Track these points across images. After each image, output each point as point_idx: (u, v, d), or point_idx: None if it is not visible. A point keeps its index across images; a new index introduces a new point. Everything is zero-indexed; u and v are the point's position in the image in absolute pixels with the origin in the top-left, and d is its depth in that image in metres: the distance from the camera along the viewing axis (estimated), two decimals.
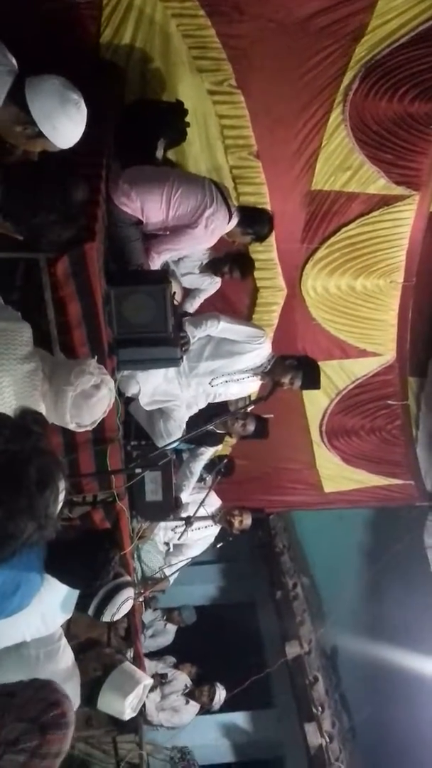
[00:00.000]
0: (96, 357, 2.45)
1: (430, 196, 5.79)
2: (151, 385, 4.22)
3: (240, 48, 4.92)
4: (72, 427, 2.30)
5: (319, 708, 7.21)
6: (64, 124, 2.36)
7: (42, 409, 2.21)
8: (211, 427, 4.58)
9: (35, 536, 1.51)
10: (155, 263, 4.25)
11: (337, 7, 4.82)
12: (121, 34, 4.72)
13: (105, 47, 4.74)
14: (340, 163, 5.57)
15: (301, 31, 4.90)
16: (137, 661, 4.65)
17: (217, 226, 4.15)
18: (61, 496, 1.58)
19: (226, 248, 5.11)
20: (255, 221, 4.44)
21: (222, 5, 4.71)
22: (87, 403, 2.24)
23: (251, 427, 5.02)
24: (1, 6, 3.91)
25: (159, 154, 4.64)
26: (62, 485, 1.59)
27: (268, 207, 5.39)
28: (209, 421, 4.48)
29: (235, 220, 4.25)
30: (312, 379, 4.57)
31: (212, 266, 5.17)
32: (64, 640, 2.74)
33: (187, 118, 4.88)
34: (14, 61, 2.27)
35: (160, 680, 6.50)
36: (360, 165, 5.58)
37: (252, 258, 5.52)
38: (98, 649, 3.44)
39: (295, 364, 4.45)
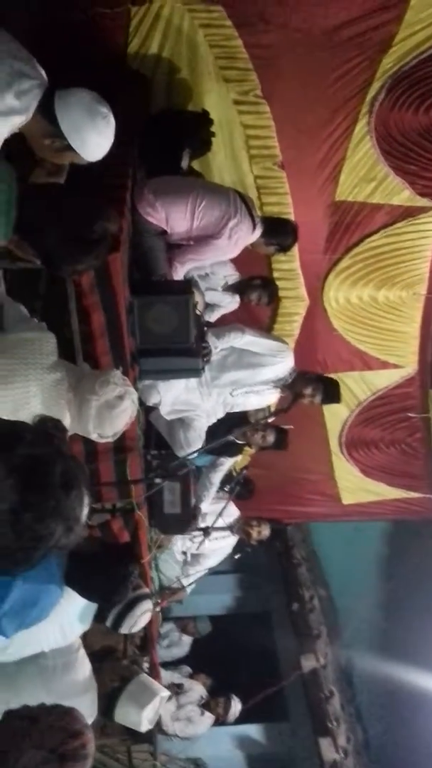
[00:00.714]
0: (120, 368, 2.45)
1: None
2: (172, 395, 4.22)
3: (266, 58, 4.92)
4: (94, 437, 2.30)
5: (334, 722, 7.15)
6: (93, 137, 2.36)
7: (67, 418, 2.22)
8: (232, 438, 4.57)
9: (64, 539, 1.51)
10: (178, 273, 4.25)
11: (365, 18, 4.81)
12: (148, 44, 4.74)
13: (132, 57, 4.77)
14: (365, 174, 5.55)
15: (327, 41, 4.88)
16: (153, 671, 4.64)
17: (241, 237, 4.15)
18: (87, 500, 1.57)
19: (250, 270, 5.14)
20: (279, 232, 4.44)
21: (249, 15, 4.72)
22: (110, 414, 2.24)
23: (271, 439, 5.01)
24: (31, 18, 3.94)
25: (184, 163, 4.65)
26: (86, 490, 1.58)
27: (292, 217, 5.38)
28: (229, 431, 4.47)
29: (259, 231, 4.24)
30: (333, 395, 4.58)
31: (238, 289, 5.19)
32: (82, 651, 2.74)
33: (213, 128, 4.90)
34: (44, 73, 2.27)
35: (176, 690, 6.47)
36: (384, 176, 5.56)
37: (277, 285, 5.54)
38: (115, 660, 3.43)
39: (315, 378, 4.48)
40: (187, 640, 7.43)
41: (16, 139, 2.32)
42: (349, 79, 5.08)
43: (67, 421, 2.21)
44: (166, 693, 3.44)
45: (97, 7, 4.46)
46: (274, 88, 5.05)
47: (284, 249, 4.56)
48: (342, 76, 5.06)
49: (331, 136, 5.32)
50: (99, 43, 4.61)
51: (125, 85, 4.56)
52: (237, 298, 5.22)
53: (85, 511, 1.56)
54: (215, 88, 4.98)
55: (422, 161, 5.47)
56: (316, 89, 5.10)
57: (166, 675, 6.42)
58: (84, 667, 2.78)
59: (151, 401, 4.17)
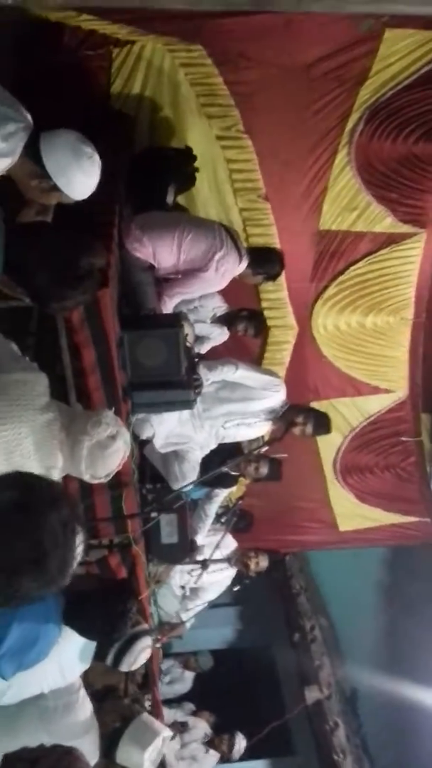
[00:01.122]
0: (113, 407, 2.46)
1: None
2: (166, 428, 4.22)
3: (246, 94, 5.03)
4: (86, 478, 2.28)
5: (341, 754, 7.03)
6: (79, 177, 2.40)
7: (60, 458, 2.21)
8: (226, 469, 4.57)
9: (42, 590, 1.50)
10: (167, 307, 4.28)
11: (341, 52, 4.94)
12: (130, 84, 4.84)
13: (115, 97, 4.86)
14: (347, 203, 5.64)
15: (305, 76, 5.01)
16: (155, 709, 4.57)
17: (228, 269, 4.19)
18: (79, 549, 1.56)
19: (239, 301, 5.19)
20: (265, 261, 4.48)
21: (228, 53, 4.83)
22: (102, 454, 2.23)
23: (264, 470, 5.00)
24: (15, 61, 4.02)
25: (169, 199, 4.71)
26: (79, 537, 1.57)
27: (278, 247, 5.45)
28: (223, 462, 4.47)
29: (245, 263, 4.29)
30: (323, 426, 4.60)
31: (226, 320, 5.23)
32: (82, 692, 2.70)
33: (196, 164, 4.98)
34: (29, 116, 2.32)
35: (180, 728, 6.37)
36: (367, 205, 5.66)
37: (265, 317, 5.60)
38: (116, 700, 3.37)
39: (307, 409, 4.51)
40: (189, 675, 7.33)
41: (4, 180, 2.35)
42: (328, 112, 5.20)
43: (59, 462, 2.20)
44: (168, 733, 3.38)
45: (80, 50, 4.56)
46: (255, 123, 5.16)
47: (272, 277, 4.59)
48: (321, 109, 5.19)
49: (312, 168, 5.42)
50: (82, 84, 4.70)
51: (109, 124, 4.63)
52: (226, 330, 5.25)
53: (76, 560, 1.55)
54: (198, 124, 5.08)
55: (403, 189, 5.58)
56: (296, 122, 5.21)
57: (170, 714, 6.33)
58: (85, 708, 2.73)
59: (145, 435, 4.17)
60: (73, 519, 1.55)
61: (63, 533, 1.51)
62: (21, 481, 1.58)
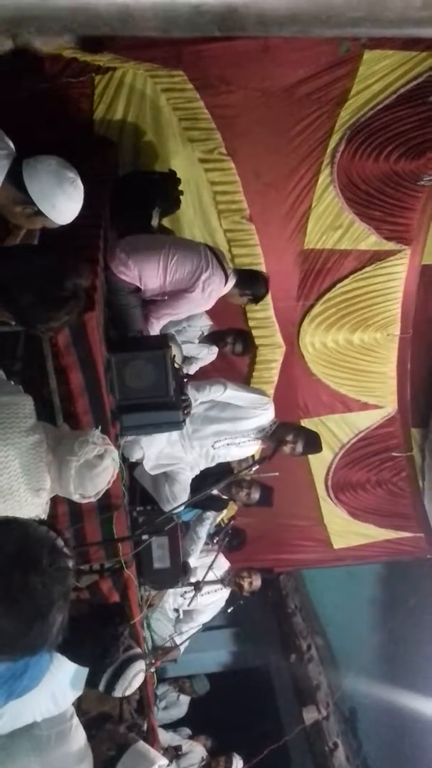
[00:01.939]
0: (100, 426, 2.45)
1: (421, 250, 5.90)
2: (155, 450, 4.22)
3: (228, 117, 5.10)
4: (76, 498, 2.27)
5: None
6: (62, 202, 2.42)
7: (48, 480, 2.20)
8: (216, 493, 4.55)
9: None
10: (154, 329, 4.29)
11: (321, 74, 5.02)
12: (113, 109, 4.89)
13: (98, 123, 4.91)
14: (331, 222, 5.71)
15: (286, 98, 5.08)
16: (151, 734, 4.51)
17: (214, 289, 4.21)
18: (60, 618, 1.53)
19: (226, 320, 5.21)
20: (251, 283, 4.51)
21: (209, 78, 4.90)
22: (91, 474, 2.22)
23: (256, 496, 5.00)
24: None
25: (154, 222, 4.75)
26: (59, 605, 1.54)
27: (263, 267, 5.51)
28: (214, 483, 4.46)
29: (231, 283, 4.31)
30: (313, 445, 4.59)
31: (214, 338, 5.25)
32: (75, 719, 2.66)
33: (180, 187, 5.02)
34: (11, 144, 2.34)
35: (176, 753, 6.27)
36: (350, 223, 5.72)
37: (253, 335, 5.62)
38: (111, 727, 3.33)
39: (296, 428, 4.51)
40: (185, 700, 7.23)
41: None
42: (310, 133, 5.28)
43: (47, 484, 2.19)
44: (163, 762, 3.33)
45: (62, 77, 4.60)
46: (237, 145, 5.22)
47: (257, 299, 4.62)
48: (302, 130, 5.26)
49: (295, 188, 5.49)
50: (65, 111, 4.74)
51: (93, 150, 4.67)
52: (214, 350, 5.27)
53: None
54: (180, 148, 5.13)
55: (385, 207, 5.64)
56: (278, 144, 5.28)
57: (166, 737, 6.23)
58: (78, 736, 2.70)
59: (135, 457, 4.16)
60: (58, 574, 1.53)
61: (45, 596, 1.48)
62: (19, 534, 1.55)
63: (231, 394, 4.29)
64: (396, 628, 7.77)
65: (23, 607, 1.43)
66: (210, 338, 5.28)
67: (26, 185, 2.33)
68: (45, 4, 0.75)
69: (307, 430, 4.62)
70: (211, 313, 5.18)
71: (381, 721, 7.73)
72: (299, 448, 4.42)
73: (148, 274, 4.06)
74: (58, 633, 1.51)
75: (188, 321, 5.12)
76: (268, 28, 0.79)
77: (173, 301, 4.23)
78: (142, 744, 3.07)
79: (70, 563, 1.64)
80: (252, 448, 4.56)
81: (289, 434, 4.39)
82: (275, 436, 4.41)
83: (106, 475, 2.27)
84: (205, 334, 5.27)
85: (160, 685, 6.82)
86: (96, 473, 2.23)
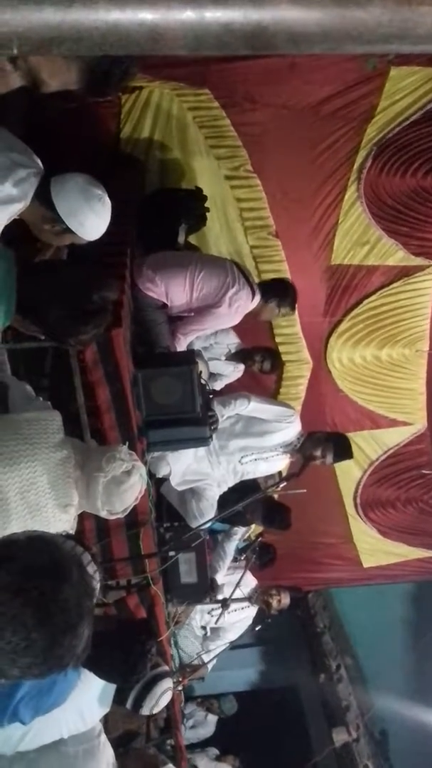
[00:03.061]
0: (127, 443, 2.46)
1: None
2: (182, 465, 4.21)
3: (254, 135, 5.13)
4: (103, 514, 2.27)
5: None
6: (90, 219, 2.44)
7: (75, 496, 2.21)
8: (241, 508, 4.53)
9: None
10: (181, 344, 4.30)
11: (347, 91, 5.04)
12: (139, 128, 4.96)
13: (125, 142, 4.98)
14: (358, 238, 5.70)
15: (312, 116, 5.11)
16: (178, 754, 4.47)
17: (241, 305, 4.21)
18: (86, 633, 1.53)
19: (254, 338, 5.21)
20: (275, 291, 4.49)
21: (235, 96, 4.95)
22: (118, 490, 2.22)
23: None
24: (26, 109, 4.13)
25: (181, 239, 4.78)
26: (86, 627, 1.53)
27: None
28: (241, 499, 4.43)
29: (258, 298, 4.31)
30: (343, 451, 4.54)
31: (242, 356, 5.25)
32: (103, 737, 2.64)
33: (207, 204, 5.05)
34: (39, 162, 2.37)
35: None
36: (378, 239, 5.70)
37: (279, 352, 5.61)
38: (140, 747, 3.30)
39: (324, 438, 4.45)
40: (212, 719, 7.17)
41: (18, 224, 2.40)
42: (336, 149, 5.29)
43: (75, 500, 2.20)
44: None
45: (89, 97, 4.66)
46: (263, 162, 5.25)
47: (285, 306, 4.52)
48: (329, 147, 5.27)
49: (322, 204, 5.49)
50: (93, 130, 4.82)
51: (120, 168, 4.73)
52: (241, 367, 5.26)
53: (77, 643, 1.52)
54: (207, 165, 5.17)
55: (413, 222, 5.62)
56: (304, 161, 5.30)
57: (195, 759, 6.18)
58: (106, 754, 2.67)
59: (161, 473, 4.15)
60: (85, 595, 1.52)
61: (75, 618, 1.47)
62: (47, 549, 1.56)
63: (255, 407, 4.27)
64: (427, 647, 7.64)
65: (56, 619, 1.43)
66: (238, 356, 5.28)
67: (54, 203, 2.36)
68: (75, 26, 0.75)
69: (335, 438, 4.54)
70: (238, 330, 5.18)
71: (412, 744, 7.58)
72: (329, 460, 4.38)
73: (174, 290, 4.08)
74: (85, 648, 1.50)
75: (215, 338, 5.13)
76: (299, 45, 0.79)
77: (200, 317, 4.24)
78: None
79: (98, 578, 1.64)
80: (280, 462, 4.53)
81: (317, 449, 4.35)
82: (303, 450, 4.38)
83: (133, 491, 2.27)
84: (233, 351, 5.27)
85: (188, 704, 6.77)
86: (123, 489, 2.23)
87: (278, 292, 4.47)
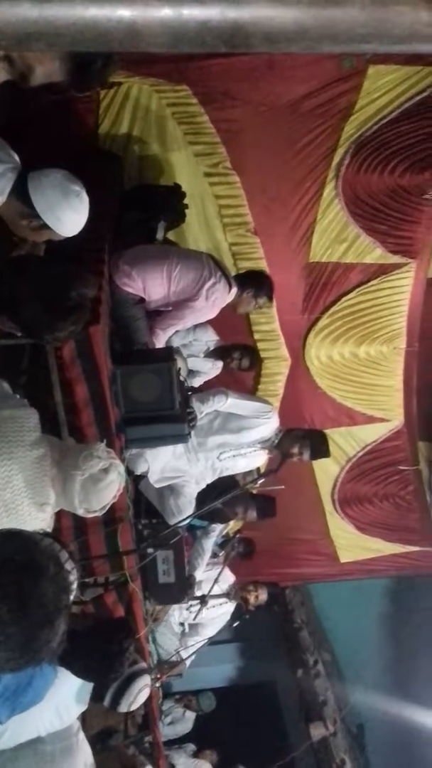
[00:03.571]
0: (105, 440, 2.44)
1: (427, 263, 5.90)
2: (160, 462, 4.21)
3: (233, 131, 5.13)
4: (81, 512, 2.26)
5: None
6: (68, 215, 2.43)
7: (52, 494, 2.20)
8: (220, 505, 4.54)
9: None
10: (160, 340, 4.30)
11: (326, 89, 5.05)
12: (118, 124, 4.93)
13: (103, 137, 4.95)
14: (336, 235, 5.72)
15: (291, 113, 5.11)
16: (156, 751, 4.47)
17: (218, 297, 4.21)
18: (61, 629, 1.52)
19: (232, 334, 5.21)
20: (251, 283, 4.50)
21: (214, 93, 4.93)
22: (95, 488, 2.21)
23: (253, 514, 5.00)
24: (2, 104, 4.09)
25: (159, 235, 4.77)
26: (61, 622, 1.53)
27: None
28: (219, 496, 4.44)
29: (234, 290, 4.32)
30: (321, 449, 4.57)
31: (220, 353, 5.25)
32: (81, 735, 2.64)
33: (185, 200, 5.04)
34: (16, 157, 2.35)
35: None
36: (356, 237, 5.73)
37: (257, 350, 5.62)
38: (119, 748, 3.28)
39: (302, 435, 4.48)
40: (190, 715, 7.17)
41: None
42: (314, 147, 5.30)
43: (52, 498, 2.18)
44: None
45: (67, 91, 4.62)
46: (242, 159, 5.24)
47: (260, 295, 4.50)
48: (307, 144, 5.28)
49: (300, 202, 5.50)
50: (71, 125, 4.78)
51: (98, 164, 4.70)
52: (219, 364, 5.27)
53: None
54: (185, 162, 5.16)
55: (391, 220, 5.65)
56: (283, 158, 5.30)
57: (178, 760, 6.18)
58: (84, 752, 2.67)
59: (139, 470, 4.15)
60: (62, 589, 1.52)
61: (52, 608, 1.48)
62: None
63: (233, 403, 4.28)
64: (404, 642, 7.71)
65: (32, 613, 1.43)
66: (216, 353, 5.28)
67: (31, 198, 2.34)
68: (51, 22, 0.75)
69: (312, 435, 4.59)
70: (217, 327, 5.18)
71: (389, 738, 7.66)
72: (306, 457, 4.41)
73: (152, 284, 4.07)
74: (60, 644, 1.51)
75: (194, 335, 5.13)
76: (276, 44, 0.79)
77: (178, 312, 4.24)
78: None
79: (75, 574, 1.64)
80: (259, 459, 4.55)
81: (294, 446, 4.38)
82: (281, 447, 4.40)
83: (111, 489, 2.26)
84: (211, 348, 5.27)
85: (166, 701, 6.77)
86: (101, 487, 2.22)
87: (254, 283, 4.48)
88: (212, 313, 4.37)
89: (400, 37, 0.80)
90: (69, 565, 1.61)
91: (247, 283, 4.43)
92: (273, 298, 4.62)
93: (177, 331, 4.57)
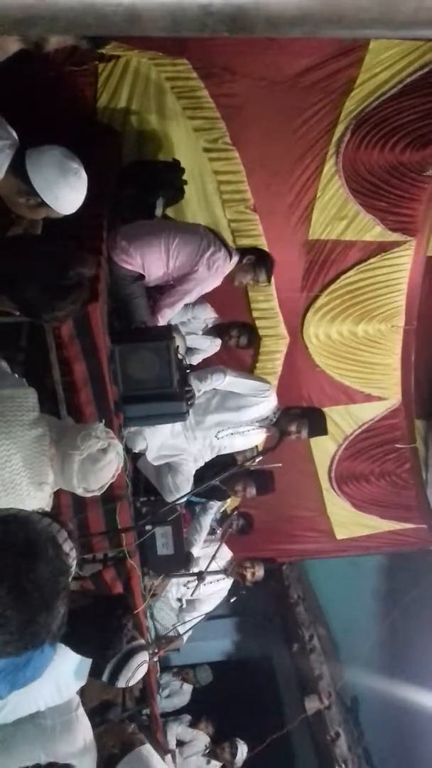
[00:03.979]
0: (103, 419, 2.44)
1: (426, 241, 5.87)
2: (159, 440, 4.21)
3: (233, 106, 5.07)
4: (80, 492, 2.27)
5: (342, 765, 6.99)
6: (66, 192, 2.41)
7: (50, 474, 2.20)
8: (218, 482, 4.56)
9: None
10: (166, 317, 4.29)
11: (326, 63, 4.98)
12: (117, 98, 4.87)
13: (102, 112, 4.89)
14: (336, 212, 5.67)
15: (291, 88, 5.04)
16: (153, 723, 4.54)
17: (220, 265, 4.19)
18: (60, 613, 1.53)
19: (230, 312, 5.19)
20: (252, 250, 4.51)
21: (213, 67, 4.87)
22: (94, 468, 2.21)
23: (252, 491, 5.02)
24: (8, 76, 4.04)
25: (158, 212, 4.73)
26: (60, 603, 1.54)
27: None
28: (217, 474, 4.46)
29: (235, 258, 4.30)
30: (318, 427, 4.58)
31: (218, 331, 5.24)
32: (81, 710, 2.67)
33: (184, 176, 4.99)
34: (14, 134, 2.33)
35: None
36: (355, 214, 5.68)
37: (257, 326, 5.60)
38: (119, 724, 3.31)
39: (299, 413, 4.48)
40: (188, 688, 7.28)
41: None
42: (315, 122, 5.24)
43: (50, 478, 2.19)
44: None
45: (65, 66, 4.57)
46: (242, 135, 5.19)
47: (260, 266, 4.48)
48: (307, 119, 5.22)
49: (300, 178, 5.45)
50: (68, 100, 4.72)
51: (96, 139, 4.65)
52: (218, 342, 5.26)
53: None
54: (184, 137, 5.11)
55: (391, 198, 5.60)
56: (283, 133, 5.24)
57: (177, 730, 6.26)
58: (84, 726, 2.70)
59: (138, 448, 4.16)
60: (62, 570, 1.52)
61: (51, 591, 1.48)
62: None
63: (231, 380, 4.28)
64: (398, 618, 7.80)
65: (31, 596, 1.43)
66: (214, 331, 5.27)
67: (29, 176, 2.32)
68: (51, 6, 0.73)
69: (310, 413, 4.60)
70: (215, 305, 5.17)
71: (382, 711, 7.79)
72: (304, 434, 4.43)
73: (150, 259, 4.05)
74: (61, 626, 1.51)
75: (192, 312, 5.11)
76: (278, 28, 0.78)
77: (182, 286, 4.22)
78: (147, 749, 3.01)
79: (74, 554, 1.65)
80: (257, 437, 4.56)
81: (292, 424, 4.39)
82: (279, 425, 4.40)
83: (109, 469, 2.26)
84: (210, 326, 5.26)
85: (164, 675, 6.86)
86: (99, 467, 2.23)
87: (255, 252, 4.48)
88: (216, 281, 4.33)
89: (403, 22, 0.79)
90: (68, 546, 1.61)
91: (247, 251, 4.43)
92: (272, 276, 4.60)
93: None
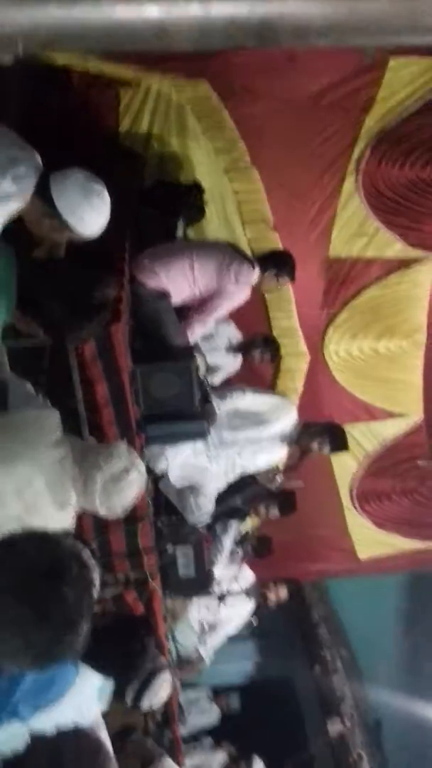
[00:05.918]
0: (125, 439, 2.44)
1: None
2: (180, 460, 4.21)
3: (252, 126, 5.09)
4: (102, 512, 2.26)
5: None
6: (89, 214, 2.43)
7: (73, 495, 2.20)
8: (239, 503, 4.54)
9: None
10: (196, 333, 4.32)
11: (346, 82, 4.99)
12: (138, 122, 4.94)
13: (124, 135, 4.96)
14: (356, 230, 5.66)
15: (311, 106, 5.06)
16: (175, 746, 4.48)
17: (245, 277, 4.21)
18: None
19: (251, 329, 5.19)
20: (273, 261, 4.51)
21: (233, 87, 4.90)
22: (116, 488, 2.21)
23: (275, 511, 4.99)
24: (25, 105, 4.10)
25: (179, 233, 4.76)
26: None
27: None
28: (237, 493, 4.45)
29: (258, 270, 4.31)
30: (340, 442, 4.57)
31: (242, 349, 5.24)
32: (104, 733, 2.64)
33: (205, 197, 5.03)
34: (38, 158, 2.35)
35: None
36: (375, 231, 5.67)
37: (278, 342, 5.61)
38: (138, 741, 3.29)
39: (320, 429, 4.48)
40: (216, 710, 7.21)
41: (15, 220, 2.39)
42: (335, 141, 5.24)
43: (73, 498, 2.19)
44: None
45: (88, 92, 4.64)
46: (261, 155, 5.21)
47: (282, 273, 4.51)
48: (327, 138, 5.23)
49: (320, 196, 5.45)
50: (91, 125, 4.78)
51: (119, 162, 4.70)
52: (239, 358, 5.25)
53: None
54: (205, 158, 5.14)
55: (411, 214, 5.58)
56: (302, 152, 5.26)
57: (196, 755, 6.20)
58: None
59: (160, 468, 4.15)
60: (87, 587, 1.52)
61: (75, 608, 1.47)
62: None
63: (252, 399, 4.29)
64: (420, 638, 7.69)
65: (55, 619, 1.43)
66: (237, 348, 5.27)
67: (53, 199, 2.34)
68: (79, 22, 0.74)
69: (330, 429, 4.58)
70: (236, 323, 5.17)
71: (406, 733, 7.66)
72: (326, 450, 4.42)
73: (175, 277, 4.07)
74: (83, 645, 1.51)
75: (216, 328, 5.11)
76: (305, 39, 0.78)
77: (212, 302, 4.23)
78: (168, 761, 3.00)
79: (97, 574, 1.64)
80: (278, 454, 4.54)
81: (313, 441, 4.38)
82: (300, 442, 4.39)
83: (132, 489, 2.26)
84: (233, 343, 5.26)
85: (191, 691, 6.78)
86: (122, 487, 2.22)
87: (275, 262, 4.48)
88: (244, 294, 4.35)
89: (428, 28, 0.78)
90: (91, 564, 1.61)
91: (267, 262, 4.44)
92: (295, 275, 4.60)
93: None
